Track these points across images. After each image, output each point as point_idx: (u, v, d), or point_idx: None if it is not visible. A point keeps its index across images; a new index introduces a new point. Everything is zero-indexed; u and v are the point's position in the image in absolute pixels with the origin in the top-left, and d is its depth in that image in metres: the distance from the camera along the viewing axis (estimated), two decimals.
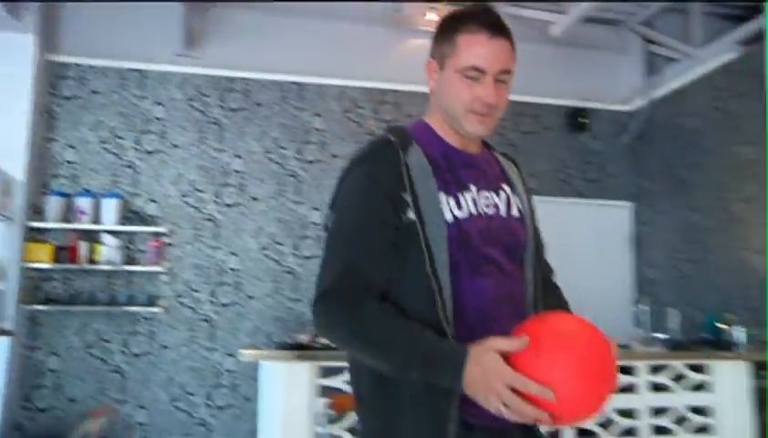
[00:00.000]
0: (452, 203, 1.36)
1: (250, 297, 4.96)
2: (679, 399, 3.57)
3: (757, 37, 4.50)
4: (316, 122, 5.27)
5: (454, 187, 1.38)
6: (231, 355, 4.81)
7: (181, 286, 4.87)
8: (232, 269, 4.97)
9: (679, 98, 5.30)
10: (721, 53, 4.87)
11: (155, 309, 4.75)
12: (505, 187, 1.47)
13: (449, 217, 1.33)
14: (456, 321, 1.30)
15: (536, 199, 4.18)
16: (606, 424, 3.47)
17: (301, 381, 3.17)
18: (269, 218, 5.10)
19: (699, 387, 3.60)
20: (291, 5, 5.19)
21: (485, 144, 1.53)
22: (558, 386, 1.13)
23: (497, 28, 1.39)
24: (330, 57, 5.31)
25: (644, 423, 3.53)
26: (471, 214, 1.37)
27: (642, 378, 3.54)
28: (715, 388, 3.57)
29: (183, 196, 4.98)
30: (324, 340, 3.39)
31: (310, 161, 5.21)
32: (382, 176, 1.34)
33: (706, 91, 5.00)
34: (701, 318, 4.37)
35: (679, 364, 3.58)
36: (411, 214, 1.32)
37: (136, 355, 4.74)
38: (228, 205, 5.04)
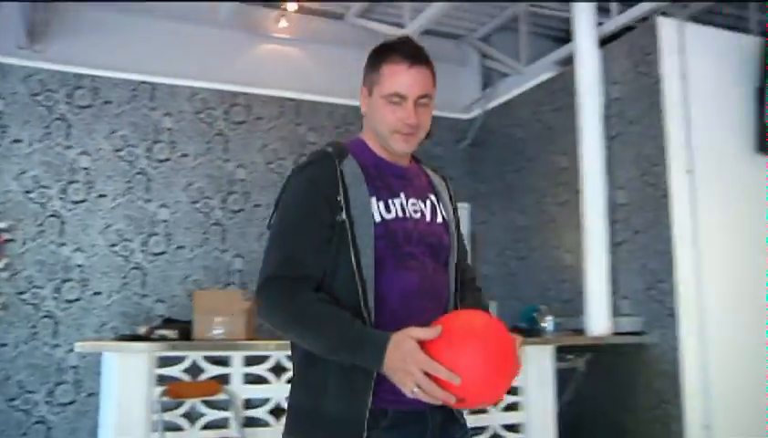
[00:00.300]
0: (382, 206, 1.56)
1: (96, 294, 4.97)
2: None
3: (571, 58, 5.06)
4: (166, 122, 5.35)
5: (385, 193, 1.58)
6: (74, 351, 4.80)
7: (23, 283, 4.80)
8: (78, 265, 4.96)
9: (508, 109, 5.83)
10: (543, 70, 5.42)
11: None
12: (432, 196, 1.68)
13: (377, 218, 1.53)
14: (378, 312, 1.48)
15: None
16: None
17: (138, 370, 3.30)
18: (117, 215, 5.12)
19: None
20: (144, 5, 5.25)
21: (415, 159, 1.74)
22: (465, 373, 1.31)
23: (416, 58, 1.60)
24: (182, 58, 5.41)
25: None
26: (398, 217, 1.57)
27: None
28: (524, 369, 4.03)
29: (26, 192, 4.90)
30: (162, 332, 3.54)
31: (160, 160, 5.28)
32: (320, 181, 1.54)
33: (529, 105, 5.55)
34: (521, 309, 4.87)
35: None
36: (343, 215, 1.51)
37: None
38: (75, 202, 5.02)
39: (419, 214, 1.62)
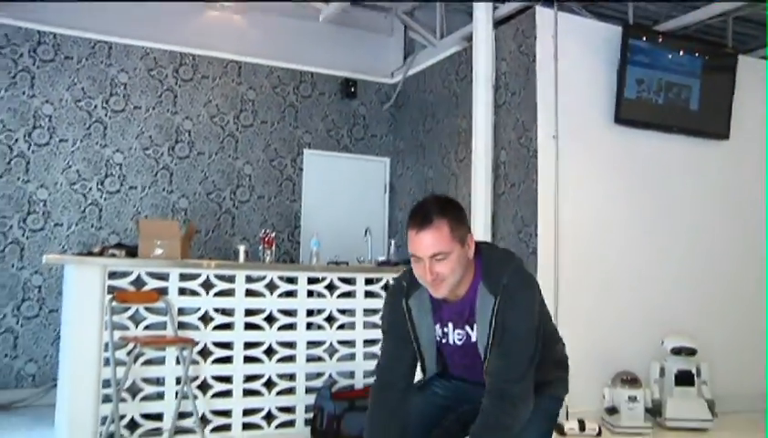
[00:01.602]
0: (439, 331, 2.19)
1: (57, 225, 5.75)
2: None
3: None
4: (121, 77, 6.07)
5: (440, 322, 2.19)
6: (38, 273, 5.60)
7: None
8: (41, 200, 5.71)
9: (423, 77, 6.68)
10: (453, 44, 6.24)
11: None
12: (468, 328, 2.15)
13: (437, 340, 2.21)
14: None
15: (312, 153, 5.91)
16: (330, 317, 4.76)
17: (93, 280, 4.11)
18: (77, 158, 5.87)
19: None
20: None
21: (485, 281, 2.11)
22: None
23: (423, 223, 2.01)
24: (137, 21, 6.10)
25: (359, 320, 4.87)
26: (447, 342, 2.20)
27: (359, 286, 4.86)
28: None
29: None
30: (113, 251, 4.35)
31: (115, 111, 6.02)
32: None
33: (440, 74, 6.40)
34: None
35: (387, 276, 4.94)
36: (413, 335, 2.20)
37: None
38: (38, 145, 5.75)
39: (461, 340, 2.20)
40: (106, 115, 6.00)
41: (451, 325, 2.17)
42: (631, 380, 4.83)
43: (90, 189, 5.90)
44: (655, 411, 4.91)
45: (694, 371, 4.94)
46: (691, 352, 4.93)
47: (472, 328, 2.14)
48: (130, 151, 6.06)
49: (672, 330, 5.07)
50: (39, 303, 5.62)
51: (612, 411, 4.79)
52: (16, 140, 5.68)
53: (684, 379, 4.93)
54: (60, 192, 5.79)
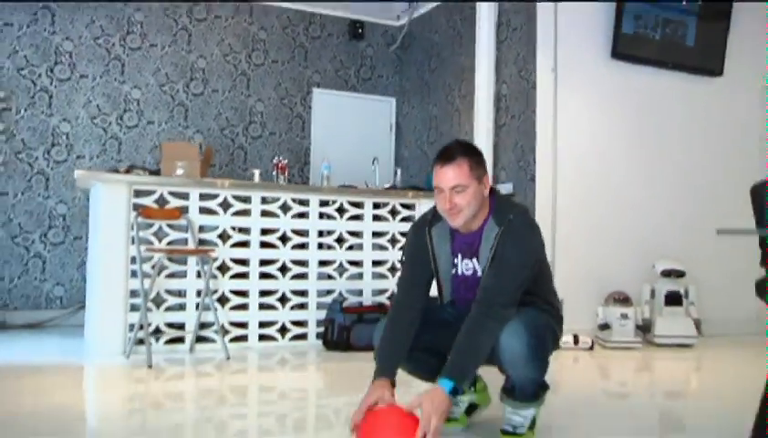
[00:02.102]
0: (453, 261, 2.44)
1: (80, 157, 6.04)
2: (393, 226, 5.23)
3: None
4: (138, 15, 6.31)
5: (454, 253, 2.44)
6: (63, 202, 5.91)
7: (19, 145, 5.84)
8: (64, 133, 6.00)
9: (429, 18, 6.89)
10: None
11: None
12: (474, 259, 2.40)
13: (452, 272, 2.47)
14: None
15: (321, 92, 6.24)
16: (340, 239, 5.06)
17: (119, 197, 4.41)
18: (97, 93, 6.14)
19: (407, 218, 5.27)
20: None
21: (495, 215, 2.38)
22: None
23: (447, 160, 2.32)
24: None
25: (367, 241, 5.17)
26: (457, 273, 2.45)
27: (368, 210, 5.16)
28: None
29: (19, 70, 5.88)
30: (137, 171, 4.64)
31: (132, 48, 6.27)
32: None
33: (445, 14, 6.61)
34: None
35: (394, 200, 5.24)
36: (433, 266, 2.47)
37: None
38: (60, 80, 6.01)
39: (469, 271, 2.45)
40: (123, 52, 6.24)
41: (460, 255, 2.44)
42: (623, 299, 5.13)
43: (110, 123, 6.17)
44: (645, 328, 5.22)
45: (682, 292, 5.24)
46: (680, 274, 5.22)
47: (478, 260, 2.41)
48: (147, 87, 6.32)
49: (663, 255, 5.36)
50: (64, 230, 5.94)
51: (604, 327, 5.11)
52: (39, 75, 5.94)
53: (673, 299, 5.23)
54: (82, 125, 6.07)
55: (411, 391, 2.50)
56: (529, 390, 2.39)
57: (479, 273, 2.42)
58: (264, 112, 6.76)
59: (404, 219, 5.19)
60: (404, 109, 7.25)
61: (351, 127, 7.05)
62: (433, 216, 2.50)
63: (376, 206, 5.17)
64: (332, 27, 7.07)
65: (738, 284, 5.67)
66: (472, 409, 2.71)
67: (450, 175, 2.31)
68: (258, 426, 2.97)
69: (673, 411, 3.42)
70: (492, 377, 2.58)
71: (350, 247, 5.09)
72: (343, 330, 4.71)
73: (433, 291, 2.57)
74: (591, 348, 4.97)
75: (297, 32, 6.91)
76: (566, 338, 4.93)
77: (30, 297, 5.78)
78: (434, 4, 6.77)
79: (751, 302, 3.25)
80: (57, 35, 6.01)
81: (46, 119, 5.94)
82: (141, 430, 2.82)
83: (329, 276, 5.04)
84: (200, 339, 4.57)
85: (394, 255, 5.12)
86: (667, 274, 5.23)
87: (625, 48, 5.49)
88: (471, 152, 2.39)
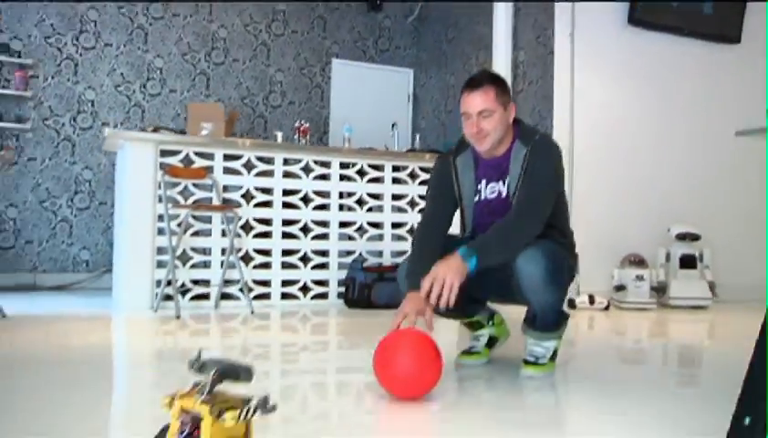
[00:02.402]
0: (477, 187, 2.52)
1: (104, 124, 6.17)
2: (412, 188, 5.32)
3: None
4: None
5: (478, 180, 2.52)
6: (88, 168, 6.05)
7: (46, 111, 5.98)
8: (89, 100, 6.13)
9: None
10: None
11: (22, 126, 5.85)
12: (501, 182, 2.48)
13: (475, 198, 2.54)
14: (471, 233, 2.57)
15: (339, 63, 6.35)
16: (361, 200, 5.17)
17: (147, 156, 4.53)
18: (121, 62, 6.27)
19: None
20: None
21: (521, 138, 2.46)
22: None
23: (474, 85, 2.42)
24: None
25: (387, 204, 5.28)
26: (479, 199, 2.53)
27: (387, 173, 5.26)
28: None
29: (46, 37, 6.01)
30: (162, 129, 4.76)
31: (155, 18, 6.38)
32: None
33: None
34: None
35: (413, 164, 5.33)
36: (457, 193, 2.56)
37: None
38: (86, 48, 6.14)
39: (493, 195, 2.53)
40: (146, 21, 6.36)
41: (485, 181, 2.52)
42: (639, 261, 5.21)
43: (134, 91, 6.30)
44: (659, 290, 5.30)
45: (697, 255, 5.31)
46: (695, 238, 5.29)
47: (504, 183, 2.49)
48: (170, 56, 6.43)
49: (678, 219, 5.43)
50: (90, 196, 6.08)
51: (620, 288, 5.19)
52: (65, 43, 6.06)
53: (687, 262, 5.31)
54: (106, 93, 6.20)
55: None
56: (550, 318, 2.47)
57: (503, 194, 2.50)
58: (284, 82, 6.86)
59: (423, 182, 5.28)
60: (421, 79, 7.33)
61: (370, 97, 7.15)
62: (459, 145, 2.60)
63: (395, 169, 5.26)
64: None
65: (752, 248, 5.79)
66: (492, 342, 2.81)
67: (477, 101, 2.41)
68: (281, 370, 3.09)
69: (686, 365, 3.50)
70: (512, 315, 2.67)
71: (370, 209, 5.19)
72: (364, 288, 4.82)
73: (455, 228, 2.66)
74: (607, 308, 5.05)
75: (317, 3, 7.00)
76: (582, 299, 5.03)
77: (58, 260, 5.94)
78: None
79: (765, 266, 3.31)
80: (83, 3, 6.13)
81: (72, 86, 6.08)
82: (170, 355, 2.94)
83: (350, 237, 5.15)
84: (224, 297, 4.70)
85: (414, 218, 5.22)
86: (682, 237, 5.30)
87: (642, 15, 5.53)
88: (497, 80, 2.48)
